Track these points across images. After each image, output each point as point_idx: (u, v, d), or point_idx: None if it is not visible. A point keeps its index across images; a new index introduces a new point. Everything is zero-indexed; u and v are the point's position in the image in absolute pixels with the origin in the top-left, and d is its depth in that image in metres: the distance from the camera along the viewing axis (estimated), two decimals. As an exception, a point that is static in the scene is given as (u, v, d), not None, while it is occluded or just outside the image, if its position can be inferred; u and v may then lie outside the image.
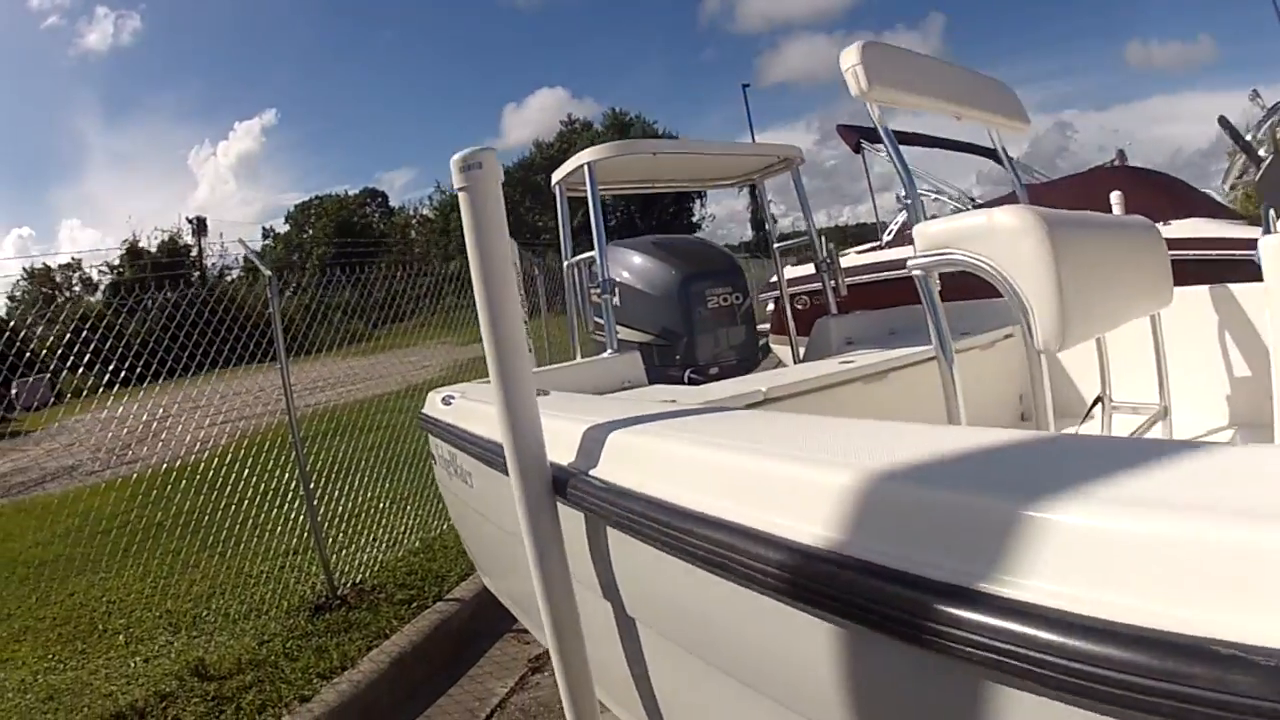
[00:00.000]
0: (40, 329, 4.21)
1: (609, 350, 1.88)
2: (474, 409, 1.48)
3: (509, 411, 0.82)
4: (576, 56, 54.61)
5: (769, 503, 0.56)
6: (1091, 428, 1.79)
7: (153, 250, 28.82)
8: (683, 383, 1.95)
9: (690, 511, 0.62)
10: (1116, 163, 5.61)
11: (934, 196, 5.12)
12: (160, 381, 3.43)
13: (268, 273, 2.97)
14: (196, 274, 27.06)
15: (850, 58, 1.33)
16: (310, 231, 34.28)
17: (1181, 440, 0.44)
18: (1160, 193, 3.70)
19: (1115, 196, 2.67)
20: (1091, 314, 1.15)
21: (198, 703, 2.19)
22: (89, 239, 50.39)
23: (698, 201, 35.04)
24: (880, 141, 3.81)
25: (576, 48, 54.60)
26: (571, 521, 0.87)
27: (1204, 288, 1.91)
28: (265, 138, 53.92)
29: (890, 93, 1.40)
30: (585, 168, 2.00)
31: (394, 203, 39.68)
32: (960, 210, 4.75)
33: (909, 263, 1.26)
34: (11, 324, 3.40)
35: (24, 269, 31.51)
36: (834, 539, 0.50)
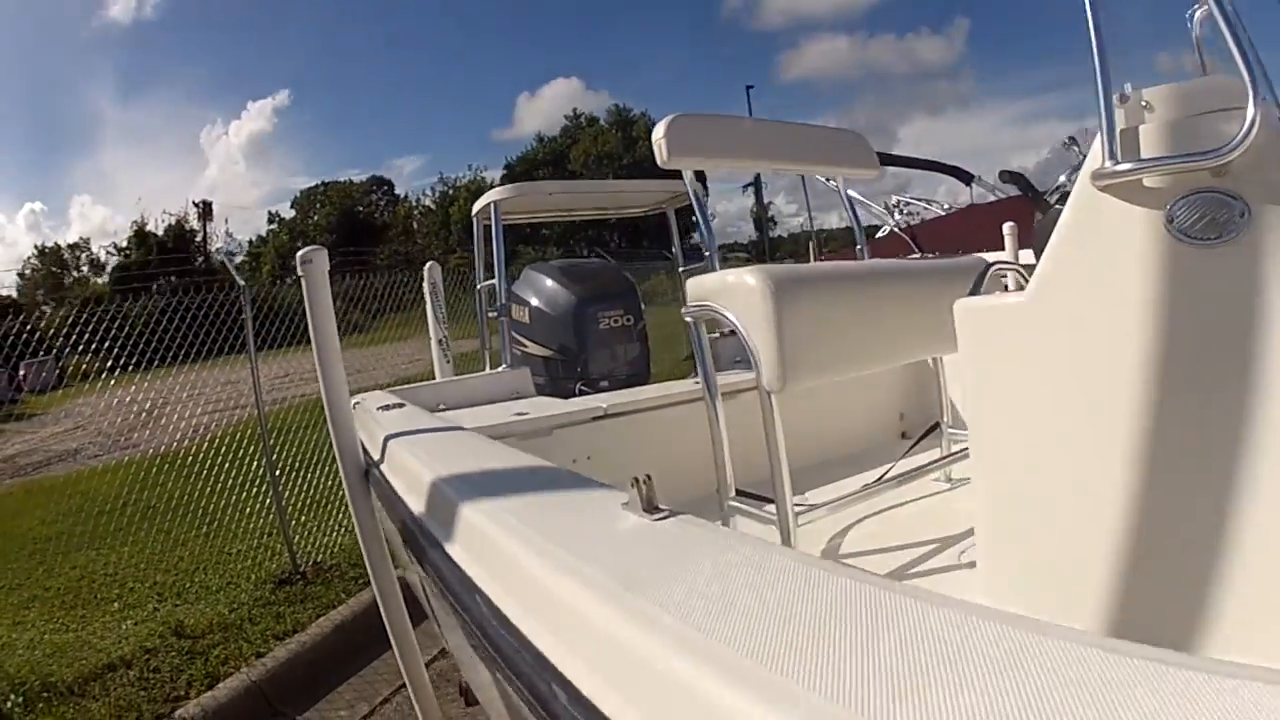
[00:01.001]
0: (49, 310, 4.84)
1: (503, 365, 2.35)
2: (357, 414, 1.89)
3: (332, 420, 1.30)
4: (595, 47, 54.56)
5: (407, 486, 1.04)
6: (930, 451, 1.97)
7: (160, 234, 30.21)
8: (574, 395, 2.40)
9: (393, 489, 1.10)
10: None
11: (925, 205, 5.41)
12: (156, 369, 4.02)
13: (240, 282, 3.52)
14: (201, 259, 28.33)
15: (658, 131, 1.63)
16: (315, 218, 35.28)
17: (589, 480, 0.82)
18: None
19: (1008, 227, 2.96)
20: (813, 361, 1.38)
21: (174, 656, 2.78)
22: (99, 216, 52.86)
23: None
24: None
25: (596, 38, 54.45)
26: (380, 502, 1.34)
27: None
28: (277, 119, 55.16)
29: (695, 160, 1.73)
30: (491, 205, 2.47)
31: (401, 190, 40.03)
32: (936, 214, 5.09)
33: (682, 310, 1.59)
34: (23, 306, 4.01)
35: (36, 246, 33.50)
36: (420, 505, 0.96)
